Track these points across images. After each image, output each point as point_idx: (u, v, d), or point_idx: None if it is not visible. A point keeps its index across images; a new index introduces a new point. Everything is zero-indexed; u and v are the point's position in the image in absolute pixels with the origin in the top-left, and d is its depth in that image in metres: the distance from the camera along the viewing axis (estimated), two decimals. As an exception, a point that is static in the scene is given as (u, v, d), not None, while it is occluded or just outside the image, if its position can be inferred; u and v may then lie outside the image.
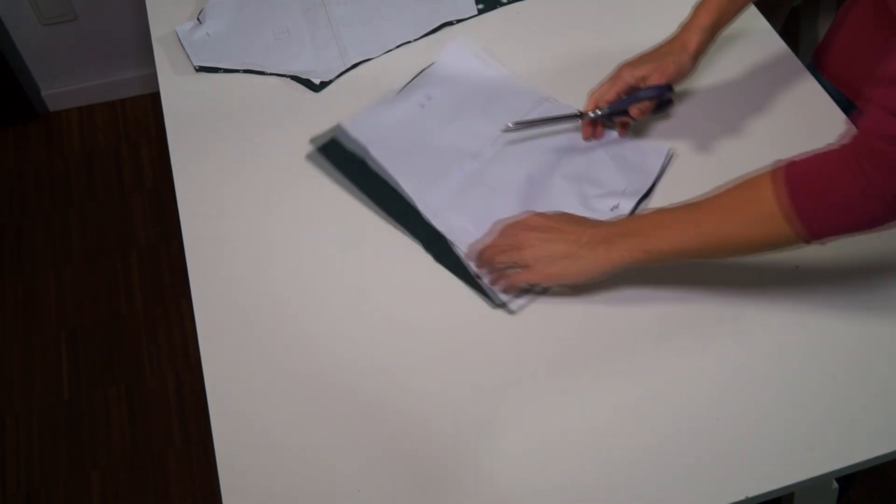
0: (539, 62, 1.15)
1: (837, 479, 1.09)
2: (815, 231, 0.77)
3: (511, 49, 1.17)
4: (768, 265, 0.93)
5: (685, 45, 1.01)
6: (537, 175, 1.02)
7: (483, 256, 0.93)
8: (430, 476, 0.81)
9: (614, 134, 1.06)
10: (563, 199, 1.00)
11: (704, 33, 1.00)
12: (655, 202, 1.00)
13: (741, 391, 0.85)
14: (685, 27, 1.02)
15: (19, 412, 1.74)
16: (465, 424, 0.84)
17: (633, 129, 1.07)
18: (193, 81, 1.15)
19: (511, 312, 0.91)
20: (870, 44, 1.04)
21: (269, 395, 0.86)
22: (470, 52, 1.15)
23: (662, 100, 1.04)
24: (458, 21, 1.21)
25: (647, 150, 1.05)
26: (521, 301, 0.92)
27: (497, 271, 0.92)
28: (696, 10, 1.01)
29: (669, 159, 1.04)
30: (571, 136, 1.06)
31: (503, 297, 0.92)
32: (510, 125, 1.05)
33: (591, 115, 1.03)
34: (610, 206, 0.99)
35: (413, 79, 1.12)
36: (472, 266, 0.94)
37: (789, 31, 2.00)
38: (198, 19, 1.21)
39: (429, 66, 1.13)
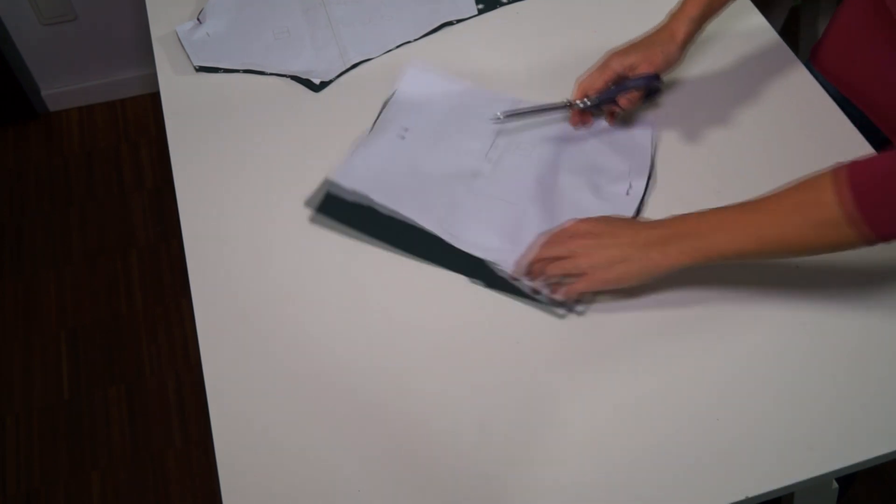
0: (539, 62, 1.15)
1: (837, 479, 1.09)
2: (885, 233, 0.76)
3: (511, 49, 1.17)
4: (768, 264, 0.93)
5: (673, 34, 1.01)
6: (543, 177, 1.02)
7: (535, 270, 0.91)
8: (430, 476, 0.81)
9: (602, 123, 1.07)
10: (577, 194, 1.00)
11: (692, 23, 1.01)
12: (656, 192, 1.00)
13: (741, 391, 0.85)
14: (673, 16, 1.02)
15: (19, 412, 1.74)
16: (465, 424, 0.84)
17: (621, 119, 1.07)
18: (193, 81, 1.15)
19: (580, 314, 0.90)
20: (869, 43, 1.04)
21: (269, 395, 0.86)
22: (428, 72, 1.13)
23: (650, 89, 1.05)
24: (458, 21, 1.21)
25: (634, 130, 1.06)
26: (580, 307, 0.91)
27: (552, 283, 0.91)
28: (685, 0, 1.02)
29: (655, 136, 1.05)
30: (561, 132, 1.06)
31: (564, 304, 0.91)
32: (499, 115, 1.05)
33: (580, 104, 1.04)
34: (624, 189, 1.00)
35: (380, 113, 1.09)
36: (525, 282, 0.92)
37: (789, 31, 2.01)
38: (198, 19, 1.21)
39: (391, 96, 1.10)
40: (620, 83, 1.02)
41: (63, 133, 2.21)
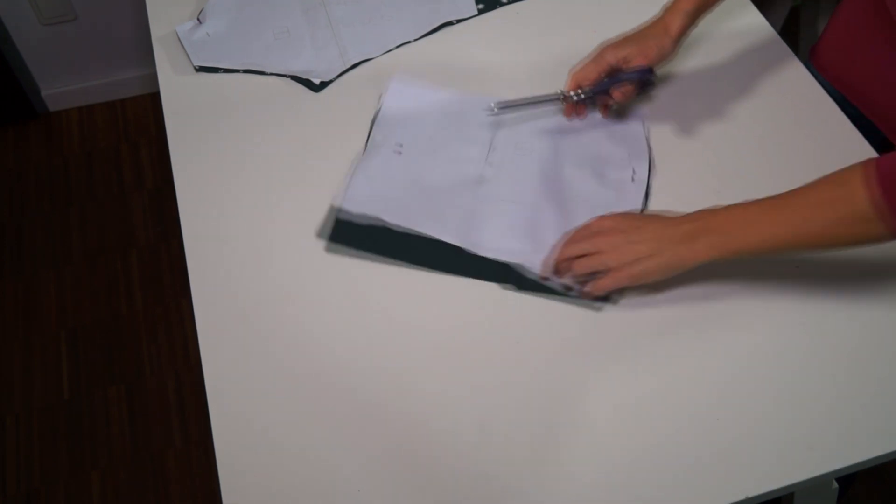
0: (539, 62, 1.15)
1: (837, 479, 1.09)
2: None
3: (511, 49, 1.17)
4: (769, 264, 0.93)
5: (667, 27, 1.01)
6: (548, 173, 1.02)
7: (562, 269, 0.91)
8: (430, 476, 0.81)
9: (596, 115, 1.08)
10: (584, 185, 1.00)
11: (687, 17, 1.01)
12: (656, 183, 1.00)
13: (741, 391, 0.85)
14: (668, 10, 1.02)
15: (19, 412, 1.74)
16: (465, 424, 0.84)
17: (614, 112, 1.08)
18: (193, 81, 1.15)
19: (615, 303, 0.91)
20: (869, 43, 1.04)
21: (269, 395, 0.86)
22: (411, 85, 1.12)
23: (644, 83, 1.05)
24: (458, 21, 1.21)
25: (627, 121, 1.07)
26: (615, 297, 0.91)
27: (581, 280, 0.91)
28: None
29: (647, 126, 1.06)
30: (555, 125, 1.07)
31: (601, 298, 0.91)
32: (493, 106, 1.05)
33: (574, 96, 1.04)
34: (628, 175, 1.01)
35: (370, 131, 1.07)
36: (555, 280, 0.92)
37: (789, 31, 2.01)
38: (198, 19, 1.21)
39: (377, 114, 1.09)
40: (614, 75, 1.02)
41: (63, 133, 2.21)
